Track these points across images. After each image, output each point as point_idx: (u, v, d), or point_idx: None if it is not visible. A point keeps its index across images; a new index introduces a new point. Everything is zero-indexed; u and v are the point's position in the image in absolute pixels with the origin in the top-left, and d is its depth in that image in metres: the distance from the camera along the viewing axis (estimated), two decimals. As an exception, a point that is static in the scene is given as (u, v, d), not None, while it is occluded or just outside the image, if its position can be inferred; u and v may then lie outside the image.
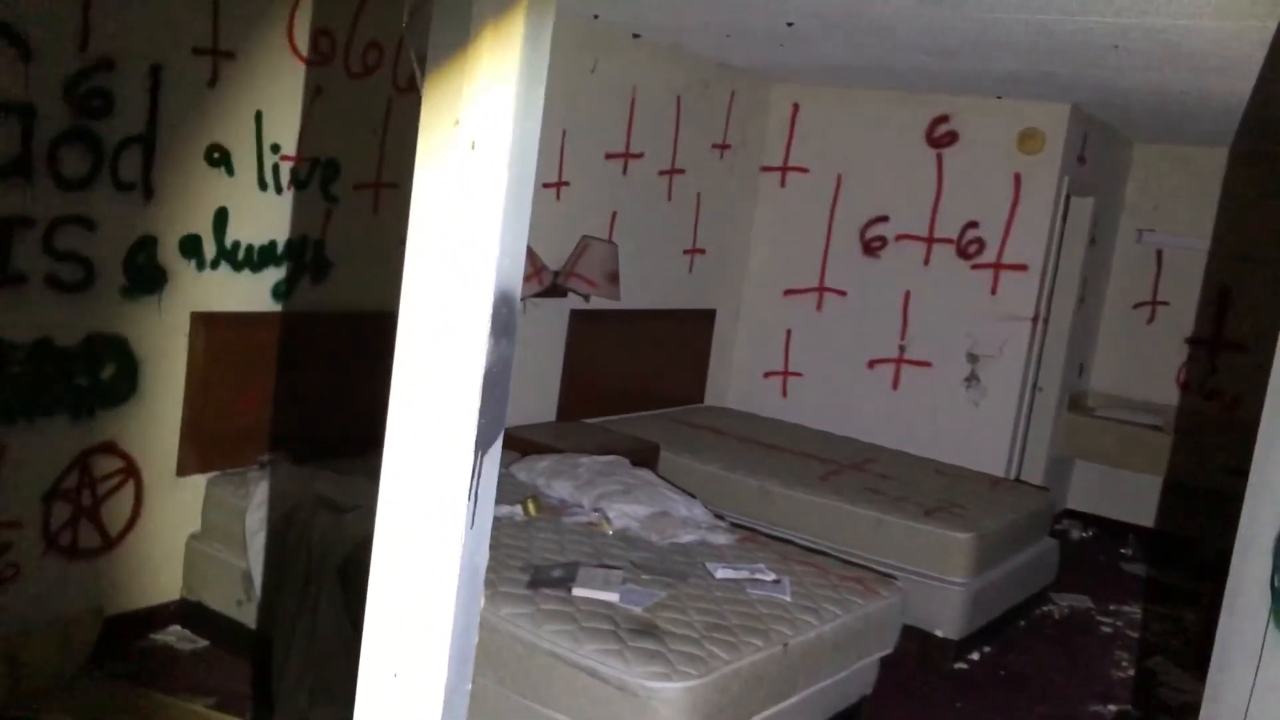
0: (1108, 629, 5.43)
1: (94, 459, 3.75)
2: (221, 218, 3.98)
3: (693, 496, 4.53)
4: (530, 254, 5.02)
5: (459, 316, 0.97)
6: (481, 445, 1.02)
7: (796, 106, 6.71)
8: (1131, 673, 4.90)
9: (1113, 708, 4.51)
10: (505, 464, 4.71)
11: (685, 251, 6.41)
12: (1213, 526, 6.49)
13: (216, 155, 3.92)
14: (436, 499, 1.02)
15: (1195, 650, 5.17)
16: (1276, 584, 1.53)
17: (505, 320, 1.00)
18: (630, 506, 4.23)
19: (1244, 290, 6.79)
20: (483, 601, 1.08)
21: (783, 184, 6.81)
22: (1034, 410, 6.44)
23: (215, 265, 4.00)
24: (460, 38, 0.92)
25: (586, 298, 5.56)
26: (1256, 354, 6.71)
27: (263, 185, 4.09)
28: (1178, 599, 5.94)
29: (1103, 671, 4.88)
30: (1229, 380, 6.85)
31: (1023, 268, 6.06)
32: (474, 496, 1.02)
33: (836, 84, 6.46)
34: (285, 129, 4.12)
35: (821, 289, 6.69)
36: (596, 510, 4.23)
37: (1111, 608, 5.72)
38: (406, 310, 0.99)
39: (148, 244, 3.77)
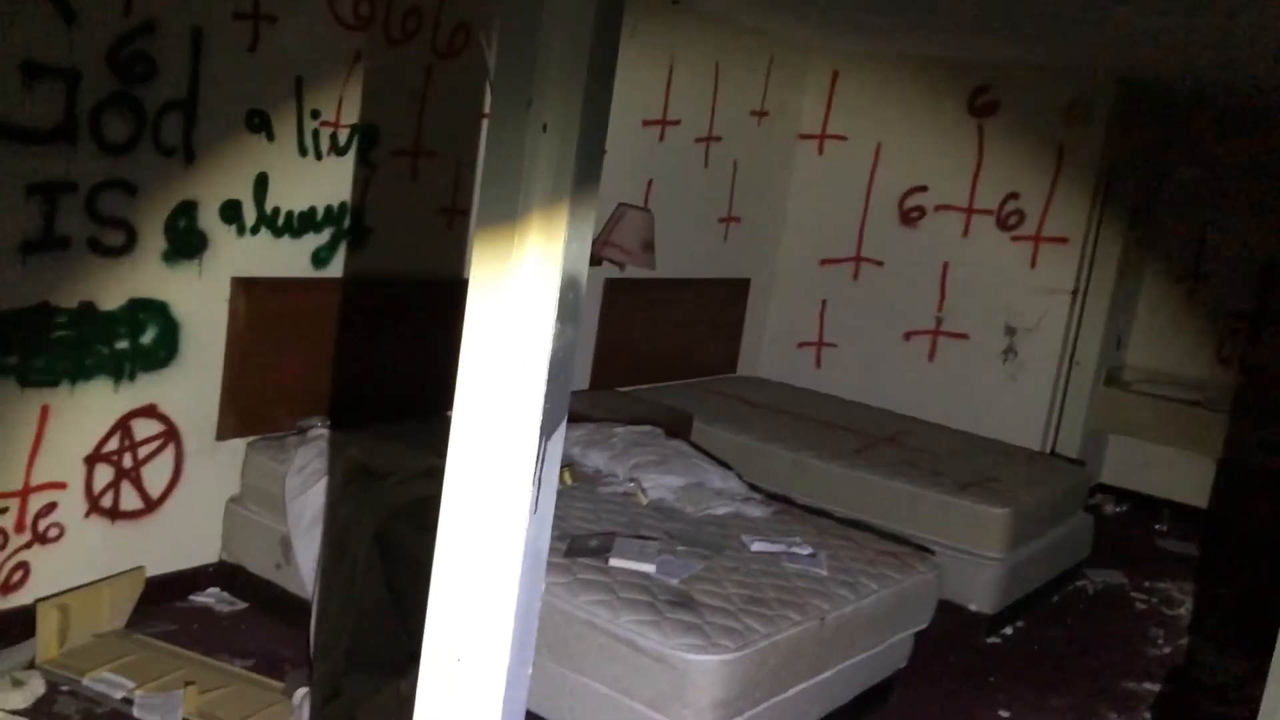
0: (1142, 605, 5.40)
1: (135, 422, 3.78)
2: (262, 183, 3.98)
3: (728, 467, 4.53)
4: (567, 222, 5.00)
5: (526, 301, 0.96)
6: (546, 430, 1.01)
7: (836, 74, 6.63)
8: (1166, 650, 4.88)
9: (1147, 685, 4.49)
10: (541, 432, 4.71)
11: (720, 220, 6.37)
12: (1252, 504, 6.44)
13: (257, 120, 3.91)
14: (501, 484, 1.02)
15: (1233, 629, 5.13)
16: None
17: (571, 305, 0.99)
18: (665, 477, 4.23)
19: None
20: (544, 585, 1.07)
21: (820, 152, 6.74)
22: (1071, 384, 6.38)
23: (255, 231, 4.01)
24: (532, 19, 0.90)
25: (621, 266, 5.54)
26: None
27: (303, 151, 4.09)
28: (1214, 576, 5.90)
29: (1137, 648, 4.86)
30: (1272, 356, 6.75)
31: (1063, 240, 5.98)
32: (538, 481, 1.02)
33: (876, 51, 6.37)
34: (325, 95, 4.10)
35: (858, 259, 6.63)
36: (632, 480, 4.24)
37: (1145, 584, 5.68)
38: (475, 295, 0.98)
39: (189, 209, 3.77)
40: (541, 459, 1.02)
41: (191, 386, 3.92)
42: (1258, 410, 6.56)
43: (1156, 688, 4.48)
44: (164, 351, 3.81)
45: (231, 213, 3.91)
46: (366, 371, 4.46)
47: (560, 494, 4.01)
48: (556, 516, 3.52)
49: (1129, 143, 6.22)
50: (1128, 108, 6.06)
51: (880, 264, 6.56)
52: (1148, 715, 4.22)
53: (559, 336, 0.99)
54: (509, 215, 0.94)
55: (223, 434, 4.06)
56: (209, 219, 3.85)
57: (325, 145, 4.15)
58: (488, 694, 1.05)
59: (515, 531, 1.02)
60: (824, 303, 6.76)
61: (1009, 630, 4.84)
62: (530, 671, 1.10)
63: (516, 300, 0.96)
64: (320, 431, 4.10)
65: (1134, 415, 6.76)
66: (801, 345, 6.87)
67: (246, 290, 3.98)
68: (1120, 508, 7.01)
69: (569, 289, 0.98)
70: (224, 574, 4.15)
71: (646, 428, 4.72)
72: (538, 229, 0.95)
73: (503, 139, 0.94)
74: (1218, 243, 6.96)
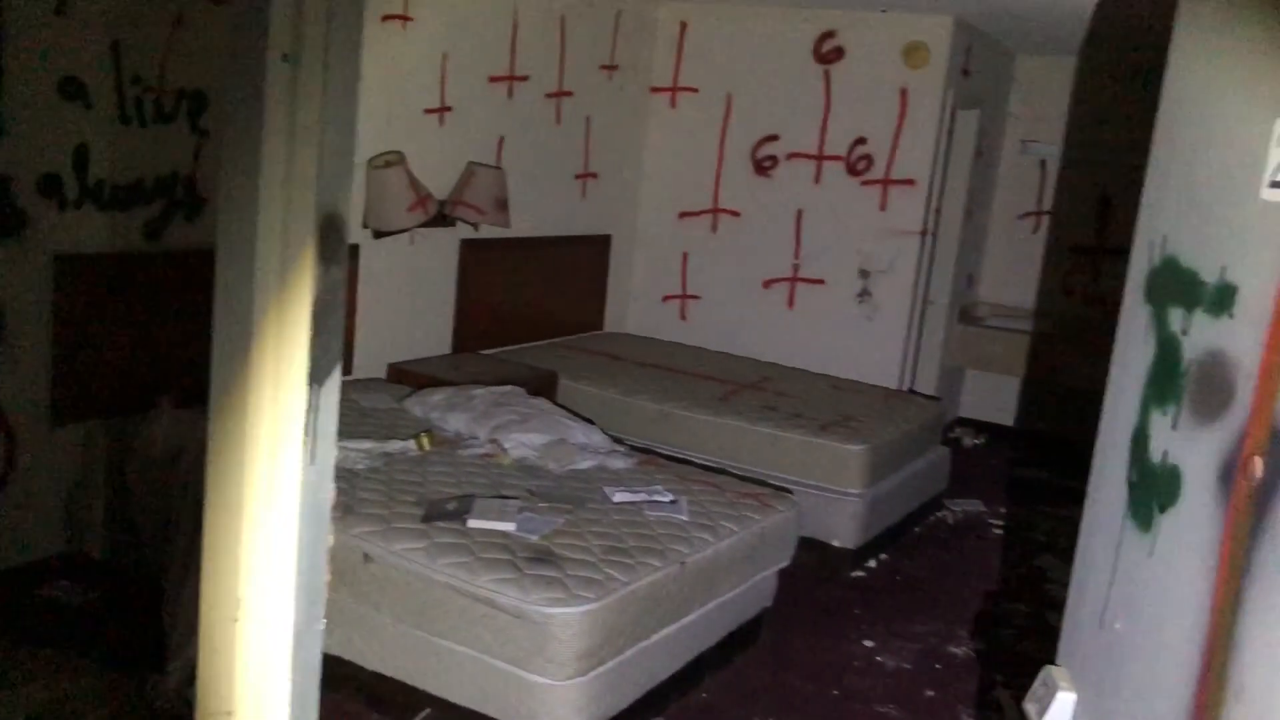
0: (999, 531, 5.61)
1: (-41, 413, 3.59)
2: (82, 155, 3.79)
3: (591, 422, 4.53)
4: (414, 182, 4.90)
5: (280, 243, 0.92)
6: (316, 378, 0.97)
7: (684, 25, 6.62)
8: (1022, 571, 5.08)
9: (1004, 605, 4.67)
10: (398, 399, 4.64)
11: (577, 176, 6.33)
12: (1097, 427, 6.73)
13: (72, 88, 3.71)
14: (271, 438, 0.98)
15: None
16: (1132, 479, 1.57)
17: (334, 245, 0.95)
18: (527, 436, 4.20)
19: (1123, 198, 6.96)
20: (331, 539, 1.04)
21: (673, 105, 6.74)
22: (925, 322, 6.56)
23: (79, 205, 3.82)
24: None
25: (476, 226, 5.46)
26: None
27: (125, 119, 3.90)
28: (1067, 499, 6.15)
29: (995, 572, 5.06)
30: (1111, 286, 7.05)
31: (911, 182, 6.12)
32: (312, 432, 0.98)
33: (724, 0, 6.38)
34: (146, 59, 3.92)
35: (716, 210, 6.68)
36: (492, 441, 4.20)
37: (1003, 510, 5.91)
38: (224, 241, 0.93)
39: (1, 184, 3.57)
40: (314, 409, 0.99)
41: (19, 372, 3.73)
42: (1103, 338, 6.84)
43: (1012, 607, 4.67)
44: (-15, 337, 3.61)
45: (50, 187, 3.71)
46: (209, 346, 4.30)
47: (419, 460, 3.96)
48: (414, 483, 3.45)
49: (969, 83, 6.38)
50: (965, 49, 6.20)
51: (737, 214, 6.61)
52: (971, 644, 4.40)
53: (322, 279, 0.95)
54: (252, 154, 0.90)
55: (60, 419, 3.88)
56: (26, 194, 3.65)
57: (150, 112, 3.97)
58: (273, 652, 1.02)
59: (290, 484, 0.99)
60: (685, 255, 6.80)
61: (873, 563, 4.98)
62: (322, 626, 1.07)
63: (269, 243, 0.92)
64: (167, 410, 3.95)
65: (987, 349, 7.00)
66: (666, 299, 6.90)
67: (73, 268, 3.80)
68: (979, 439, 7.26)
69: (328, 227, 0.94)
70: (71, 564, 3.98)
71: (507, 388, 4.69)
72: (284, 166, 0.91)
73: (240, 73, 0.90)
74: (1056, 178, 7.22)
